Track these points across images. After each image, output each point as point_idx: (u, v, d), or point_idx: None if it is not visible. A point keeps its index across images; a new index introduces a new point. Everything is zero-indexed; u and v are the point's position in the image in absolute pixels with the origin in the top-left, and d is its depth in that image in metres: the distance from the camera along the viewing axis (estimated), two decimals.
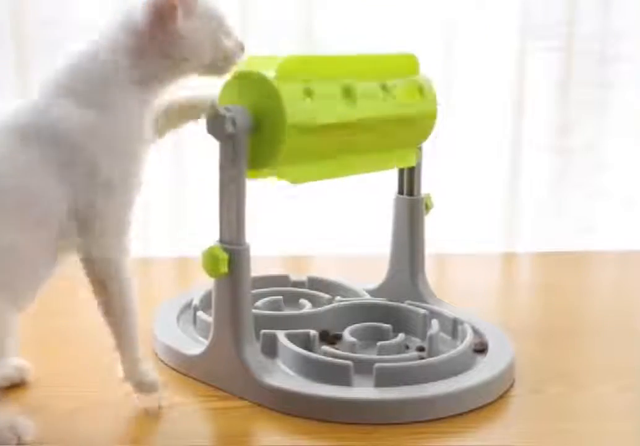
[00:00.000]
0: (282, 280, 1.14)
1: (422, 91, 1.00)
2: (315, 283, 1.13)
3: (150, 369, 0.86)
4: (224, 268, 0.86)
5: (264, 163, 0.87)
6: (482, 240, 1.59)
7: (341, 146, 0.92)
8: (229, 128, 0.83)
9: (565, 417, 0.86)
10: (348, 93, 0.91)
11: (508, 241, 1.61)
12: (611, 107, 1.60)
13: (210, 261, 0.86)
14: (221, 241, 0.87)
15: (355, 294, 1.09)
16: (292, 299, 1.08)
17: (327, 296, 1.08)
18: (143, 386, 0.85)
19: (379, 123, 0.94)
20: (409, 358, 0.90)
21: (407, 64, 1.00)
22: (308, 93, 0.87)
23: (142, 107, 0.83)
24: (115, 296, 0.83)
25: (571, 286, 1.30)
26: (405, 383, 0.86)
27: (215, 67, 0.84)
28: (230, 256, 0.86)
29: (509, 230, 1.61)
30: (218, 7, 0.84)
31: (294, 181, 0.89)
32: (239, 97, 0.86)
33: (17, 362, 0.90)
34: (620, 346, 1.05)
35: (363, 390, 0.86)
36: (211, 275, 0.87)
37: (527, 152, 1.59)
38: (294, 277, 1.15)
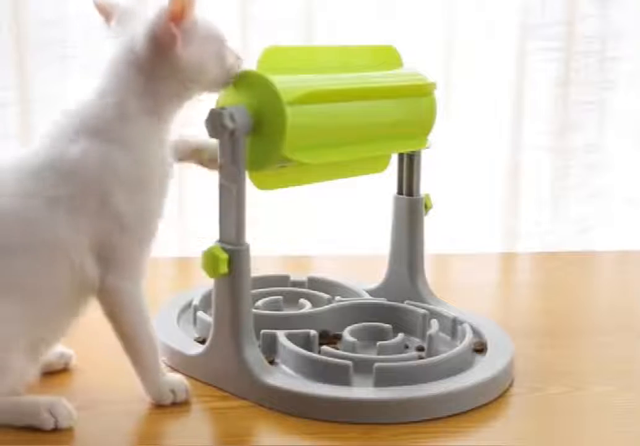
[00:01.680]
0: (282, 280, 1.14)
1: (404, 73, 1.00)
2: (315, 283, 1.13)
3: (176, 383, 0.87)
4: (224, 268, 0.85)
5: (265, 163, 0.87)
6: (482, 240, 1.59)
7: (344, 128, 0.93)
8: (229, 124, 0.83)
9: (565, 416, 0.86)
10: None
11: (508, 241, 1.61)
12: (611, 107, 1.60)
13: (210, 261, 0.86)
14: (221, 241, 0.87)
15: (355, 294, 1.09)
16: (292, 299, 1.08)
17: (327, 296, 1.08)
18: (167, 398, 0.86)
19: (371, 98, 0.94)
20: (409, 358, 0.90)
21: (389, 56, 1.01)
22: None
23: (157, 136, 0.84)
24: (129, 326, 0.84)
25: (571, 286, 1.30)
26: (405, 383, 0.86)
27: (218, 83, 0.85)
28: (230, 256, 0.86)
29: (509, 230, 1.61)
30: (218, 27, 0.85)
31: (314, 162, 0.89)
32: (237, 98, 0.86)
33: (60, 349, 0.93)
34: (620, 346, 1.05)
35: (363, 390, 0.86)
36: (210, 275, 0.87)
37: (527, 152, 1.59)
38: (294, 277, 1.15)
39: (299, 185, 0.95)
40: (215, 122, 0.84)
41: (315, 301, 1.06)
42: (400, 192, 1.08)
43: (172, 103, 0.84)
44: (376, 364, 0.87)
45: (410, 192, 1.07)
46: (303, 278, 1.15)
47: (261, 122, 0.85)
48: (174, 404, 0.86)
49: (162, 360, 0.87)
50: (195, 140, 0.92)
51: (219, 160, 0.86)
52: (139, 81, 0.81)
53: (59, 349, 0.93)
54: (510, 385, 0.92)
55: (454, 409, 0.85)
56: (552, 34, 1.56)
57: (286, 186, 0.93)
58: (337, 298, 1.06)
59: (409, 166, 1.07)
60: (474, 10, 1.52)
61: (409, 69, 1.02)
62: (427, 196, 1.08)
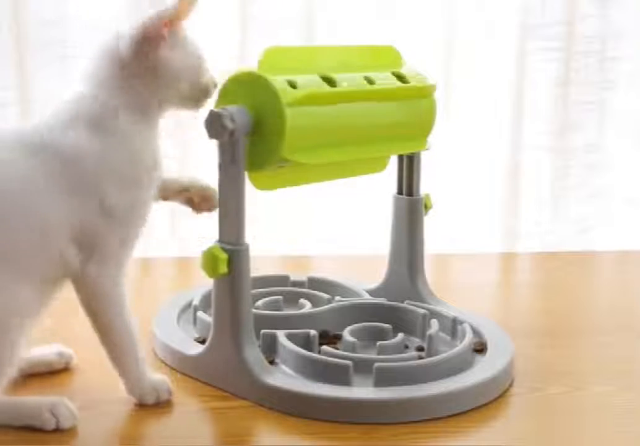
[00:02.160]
0: (282, 280, 1.14)
1: (407, 76, 0.99)
2: (315, 283, 1.13)
3: (159, 382, 0.87)
4: (223, 268, 0.85)
5: (264, 163, 0.86)
6: (482, 240, 1.59)
7: (343, 129, 0.92)
8: (229, 125, 0.83)
9: (565, 416, 0.86)
10: (331, 81, 0.90)
11: (508, 241, 1.61)
12: (611, 107, 1.60)
13: (209, 261, 0.86)
14: (220, 241, 0.87)
15: (355, 294, 1.08)
16: (292, 299, 1.08)
17: (327, 296, 1.08)
18: (150, 397, 0.86)
19: (365, 98, 0.93)
20: (409, 358, 0.90)
21: (390, 56, 1.00)
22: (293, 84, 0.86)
23: (145, 132, 0.85)
24: (106, 316, 0.84)
25: (571, 286, 1.30)
26: (405, 383, 0.86)
27: (192, 99, 0.88)
28: (229, 256, 0.86)
29: (509, 230, 1.61)
30: (200, 47, 0.88)
31: (312, 162, 0.88)
32: (237, 98, 0.86)
33: (59, 348, 0.94)
34: (620, 346, 1.05)
35: (363, 390, 0.86)
36: (210, 275, 0.87)
37: (527, 152, 1.59)
38: (294, 277, 1.15)
39: (298, 185, 0.95)
40: (215, 122, 0.83)
41: (315, 301, 1.06)
42: (400, 192, 1.08)
43: (152, 103, 0.85)
44: (376, 365, 0.87)
45: (410, 192, 1.07)
46: (303, 278, 1.15)
47: (261, 123, 0.85)
48: (172, 405, 0.86)
49: (145, 359, 0.87)
50: (184, 179, 0.94)
51: (218, 160, 0.86)
52: (120, 77, 0.84)
53: (59, 348, 0.93)
54: (510, 385, 0.92)
55: (454, 409, 0.85)
56: (552, 34, 1.56)
57: (285, 186, 0.93)
58: (337, 297, 1.06)
59: (409, 166, 1.07)
60: (474, 10, 1.52)
61: (410, 69, 1.01)
62: (427, 196, 1.08)
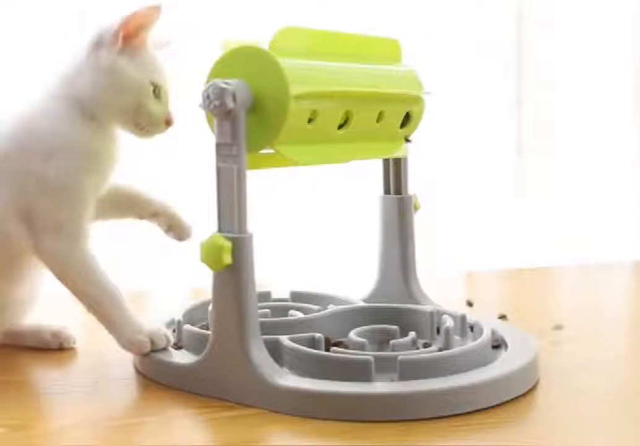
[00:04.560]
0: (263, 297, 1.04)
1: (404, 76, 0.94)
2: (300, 297, 1.05)
3: (153, 331, 0.86)
4: (228, 258, 0.77)
5: (263, 143, 0.79)
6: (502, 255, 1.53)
7: (335, 128, 0.86)
8: (230, 103, 0.76)
9: (593, 412, 0.79)
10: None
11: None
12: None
13: (212, 251, 0.78)
14: (221, 230, 0.79)
15: (348, 302, 1.01)
16: (280, 314, 0.99)
17: (317, 306, 0.99)
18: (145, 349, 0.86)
19: (366, 100, 0.88)
20: (429, 352, 0.83)
21: (391, 49, 0.95)
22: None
23: (90, 131, 0.86)
24: (76, 284, 0.85)
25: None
26: (430, 376, 0.79)
27: (135, 123, 0.87)
28: (233, 245, 0.78)
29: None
30: (165, 74, 0.88)
31: (295, 158, 0.81)
32: (233, 73, 0.79)
33: (55, 328, 0.96)
34: None
35: (390, 385, 0.78)
36: (213, 268, 0.79)
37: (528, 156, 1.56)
38: (275, 294, 1.06)
39: (290, 166, 0.87)
40: (213, 99, 0.76)
41: (305, 313, 0.98)
42: (387, 191, 1.02)
43: (97, 106, 0.86)
44: (400, 357, 0.79)
45: (398, 191, 1.02)
46: (285, 294, 1.06)
47: (256, 106, 0.78)
48: (175, 417, 0.77)
49: (132, 315, 0.87)
50: (156, 202, 0.94)
51: (215, 140, 0.78)
52: (70, 74, 0.86)
53: (57, 328, 0.96)
54: (537, 382, 0.85)
55: (484, 402, 0.78)
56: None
57: (278, 166, 0.86)
58: (331, 306, 0.99)
59: (396, 165, 1.02)
60: (475, 8, 1.50)
61: (408, 69, 0.96)
62: (415, 196, 1.03)
